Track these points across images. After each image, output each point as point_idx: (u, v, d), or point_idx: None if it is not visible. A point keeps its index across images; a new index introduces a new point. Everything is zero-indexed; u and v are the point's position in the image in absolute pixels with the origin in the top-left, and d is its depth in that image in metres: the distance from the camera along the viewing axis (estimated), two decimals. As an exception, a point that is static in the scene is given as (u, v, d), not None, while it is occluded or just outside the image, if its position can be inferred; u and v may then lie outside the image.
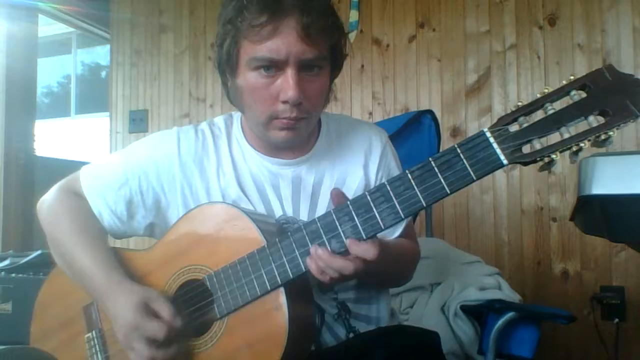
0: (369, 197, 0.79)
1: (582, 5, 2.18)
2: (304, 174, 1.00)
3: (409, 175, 0.77)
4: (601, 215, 0.84)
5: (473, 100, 2.34)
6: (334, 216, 0.81)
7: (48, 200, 1.02)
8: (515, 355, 1.24)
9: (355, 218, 0.79)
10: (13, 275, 1.82)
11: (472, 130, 2.33)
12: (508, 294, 1.55)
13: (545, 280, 2.18)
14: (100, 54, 7.98)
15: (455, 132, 2.36)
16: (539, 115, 0.71)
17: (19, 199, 2.95)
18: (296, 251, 0.82)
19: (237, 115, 1.05)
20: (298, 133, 0.93)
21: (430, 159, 0.77)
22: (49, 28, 5.63)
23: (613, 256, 2.08)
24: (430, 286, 1.60)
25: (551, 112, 0.70)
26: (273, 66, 0.86)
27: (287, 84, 0.86)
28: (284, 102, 0.87)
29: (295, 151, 1.00)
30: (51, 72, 8.49)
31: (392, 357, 0.84)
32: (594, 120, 0.67)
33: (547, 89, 0.71)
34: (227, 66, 0.91)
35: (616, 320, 2.03)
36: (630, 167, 0.80)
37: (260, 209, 0.97)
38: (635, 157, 0.81)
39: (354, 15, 2.53)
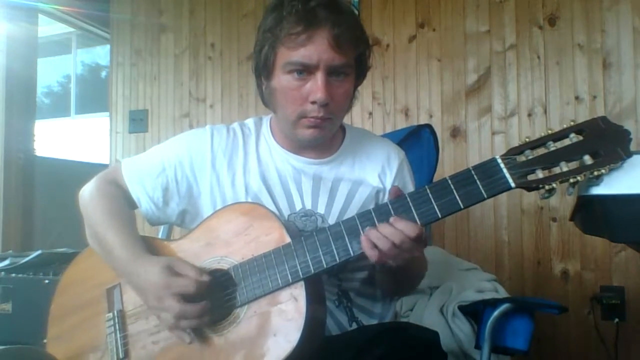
0: (390, 206, 0.87)
1: (582, 5, 2.18)
2: (325, 173, 1.09)
3: (427, 190, 0.86)
4: (601, 215, 0.85)
5: (473, 100, 2.35)
6: (357, 220, 0.89)
7: (89, 188, 1.11)
8: (510, 347, 1.25)
9: (377, 223, 0.87)
10: (13, 275, 1.82)
11: (472, 130, 2.34)
12: (505, 296, 1.56)
13: (545, 280, 2.18)
14: (100, 54, 7.98)
15: (455, 132, 2.36)
16: (542, 150, 0.83)
17: (19, 199, 2.96)
18: (319, 249, 0.89)
19: (266, 118, 1.16)
20: (323, 132, 1.03)
21: (447, 178, 0.86)
22: (49, 28, 5.63)
23: (613, 256, 2.09)
24: (430, 290, 1.62)
25: (553, 149, 0.82)
26: (305, 70, 0.97)
27: (316, 86, 0.96)
28: (313, 102, 0.97)
29: (319, 152, 1.10)
30: (51, 72, 8.49)
31: (394, 352, 0.87)
32: (589, 159, 0.80)
33: (550, 130, 0.84)
34: (264, 70, 1.02)
35: (616, 320, 2.03)
36: (630, 167, 0.80)
37: (283, 201, 1.06)
38: (635, 157, 0.81)
39: (354, 15, 2.53)
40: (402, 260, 0.88)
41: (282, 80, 0.99)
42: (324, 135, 1.04)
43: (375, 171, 1.11)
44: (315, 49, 0.95)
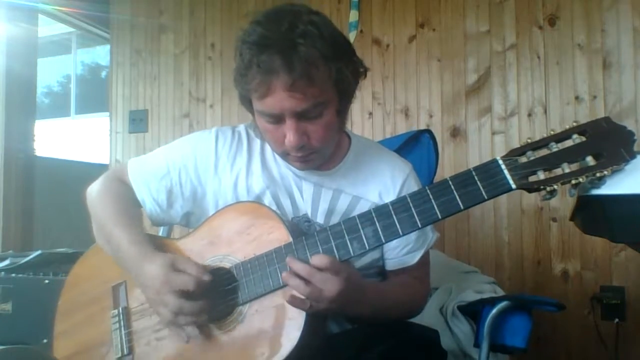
0: (390, 207, 0.88)
1: (582, 5, 2.18)
2: (326, 183, 1.09)
3: (427, 190, 0.86)
4: (601, 215, 0.85)
5: (473, 100, 2.34)
6: (357, 220, 0.89)
7: (97, 186, 1.13)
8: (509, 345, 1.25)
9: (377, 223, 0.88)
10: (13, 275, 1.82)
11: (472, 130, 2.34)
12: (504, 297, 1.56)
13: (545, 280, 2.18)
14: (100, 54, 8.00)
15: (455, 132, 2.36)
16: (544, 152, 0.82)
17: (19, 199, 2.95)
18: (319, 247, 0.90)
19: None
20: (312, 163, 1.03)
21: (447, 178, 0.86)
22: (49, 28, 5.65)
23: (613, 256, 2.08)
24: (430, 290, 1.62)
25: (555, 150, 0.81)
26: (274, 118, 0.95)
27: (288, 132, 0.94)
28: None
29: (321, 165, 1.08)
30: (51, 72, 8.51)
31: (394, 350, 0.87)
32: (591, 160, 0.79)
33: (552, 130, 0.83)
34: (245, 105, 1.03)
35: (616, 320, 2.03)
36: (631, 167, 0.80)
37: (287, 203, 1.06)
38: (635, 157, 0.81)
39: (354, 16, 2.53)
40: (325, 301, 0.84)
41: (260, 121, 0.99)
42: (315, 164, 1.04)
43: (377, 189, 1.09)
44: (275, 100, 0.91)
